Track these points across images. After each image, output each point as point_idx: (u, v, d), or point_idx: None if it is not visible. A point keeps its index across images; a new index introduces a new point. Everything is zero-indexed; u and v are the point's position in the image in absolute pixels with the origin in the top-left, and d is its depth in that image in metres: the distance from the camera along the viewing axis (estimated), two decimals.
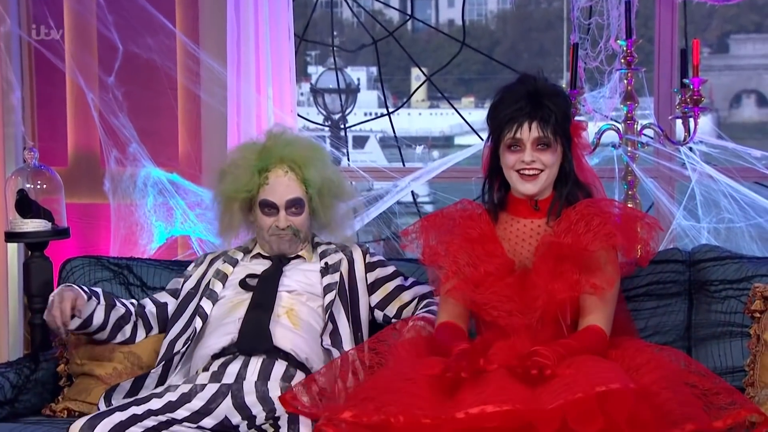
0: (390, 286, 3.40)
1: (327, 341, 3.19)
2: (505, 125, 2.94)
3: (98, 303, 3.31)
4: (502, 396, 2.57)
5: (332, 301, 3.26)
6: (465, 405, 2.57)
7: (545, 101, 2.93)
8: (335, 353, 3.17)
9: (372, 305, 3.39)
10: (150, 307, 3.45)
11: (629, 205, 3.09)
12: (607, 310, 2.93)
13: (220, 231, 3.51)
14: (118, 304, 3.38)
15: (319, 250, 3.43)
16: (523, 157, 2.94)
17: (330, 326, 3.23)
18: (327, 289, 3.31)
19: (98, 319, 3.31)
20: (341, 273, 3.35)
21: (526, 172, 2.95)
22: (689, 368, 2.93)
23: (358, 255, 3.43)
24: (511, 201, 3.06)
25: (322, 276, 3.35)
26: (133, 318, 3.41)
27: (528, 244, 3.00)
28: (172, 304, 3.44)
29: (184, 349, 3.24)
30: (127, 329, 3.41)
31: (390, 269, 3.45)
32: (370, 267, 3.43)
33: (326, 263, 3.37)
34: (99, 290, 3.37)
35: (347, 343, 3.26)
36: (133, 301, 3.48)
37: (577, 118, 3.91)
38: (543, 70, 3.02)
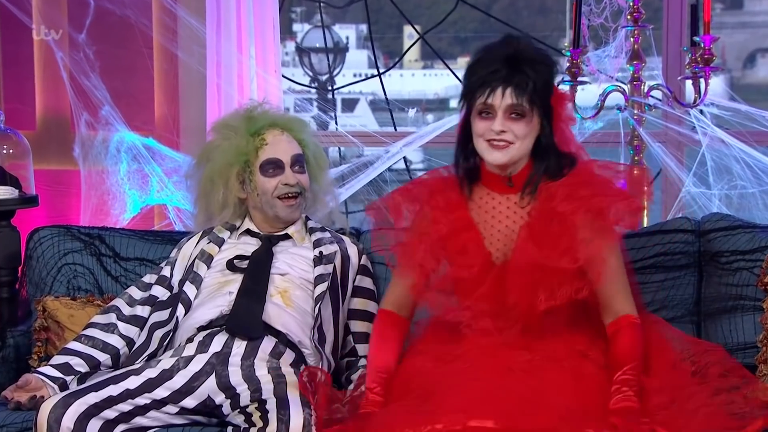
0: (369, 305, 3.39)
1: (315, 336, 3.19)
2: (478, 89, 2.83)
3: (74, 376, 3.27)
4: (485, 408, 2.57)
5: (323, 293, 3.25)
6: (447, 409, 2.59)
7: (524, 67, 2.81)
8: (324, 353, 3.19)
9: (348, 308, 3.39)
10: (141, 312, 3.41)
11: (611, 163, 3.02)
12: (624, 284, 2.91)
13: (212, 214, 3.44)
14: (101, 359, 3.32)
15: (314, 237, 3.40)
16: (493, 126, 2.84)
17: (318, 320, 3.22)
18: (319, 279, 3.30)
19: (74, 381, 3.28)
20: (335, 266, 3.33)
21: (496, 142, 2.86)
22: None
23: (353, 252, 3.41)
24: (485, 173, 2.97)
25: (315, 265, 3.33)
26: (125, 349, 3.37)
27: (504, 225, 2.93)
28: (162, 294, 3.41)
29: (166, 342, 3.23)
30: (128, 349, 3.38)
31: (372, 287, 3.43)
32: (362, 270, 3.42)
33: (321, 252, 3.35)
34: (78, 360, 3.30)
35: (329, 344, 3.26)
36: (128, 330, 3.39)
37: (579, 79, 3.92)
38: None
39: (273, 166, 3.34)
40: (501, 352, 2.80)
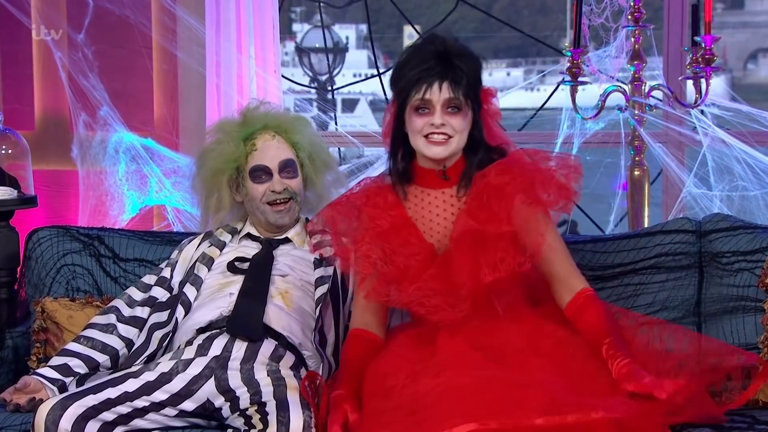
0: None
1: (316, 338, 3.19)
2: (413, 86, 2.89)
3: (74, 378, 3.27)
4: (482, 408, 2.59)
5: (324, 295, 3.25)
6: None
7: (456, 61, 2.89)
8: (325, 355, 3.18)
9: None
10: (141, 313, 3.41)
11: (541, 150, 3.09)
12: (570, 261, 2.99)
13: (209, 216, 3.48)
14: (100, 360, 3.32)
15: (314, 240, 3.40)
16: (432, 120, 2.89)
17: (319, 322, 3.22)
18: (319, 281, 3.30)
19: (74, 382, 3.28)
20: (335, 268, 3.33)
21: (435, 137, 2.91)
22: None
23: None
24: (418, 172, 3.02)
25: (316, 268, 3.33)
26: (124, 350, 3.37)
27: (443, 218, 2.99)
28: (162, 296, 3.41)
29: (165, 343, 3.23)
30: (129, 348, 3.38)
31: None
32: None
33: (321, 255, 3.35)
34: (77, 362, 3.30)
35: (330, 346, 3.26)
36: (128, 331, 3.39)
37: (580, 79, 3.92)
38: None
39: (261, 173, 3.35)
40: (472, 355, 2.82)
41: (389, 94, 4.85)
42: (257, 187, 3.35)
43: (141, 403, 3.01)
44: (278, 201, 3.34)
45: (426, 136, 2.91)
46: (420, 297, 2.91)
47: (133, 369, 3.12)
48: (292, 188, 3.36)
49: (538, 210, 2.91)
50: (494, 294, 2.92)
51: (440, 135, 2.90)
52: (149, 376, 3.06)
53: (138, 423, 3.01)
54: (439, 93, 2.88)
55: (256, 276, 3.28)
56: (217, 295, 3.26)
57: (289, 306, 3.24)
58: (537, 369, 2.76)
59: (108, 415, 2.96)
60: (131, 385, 3.03)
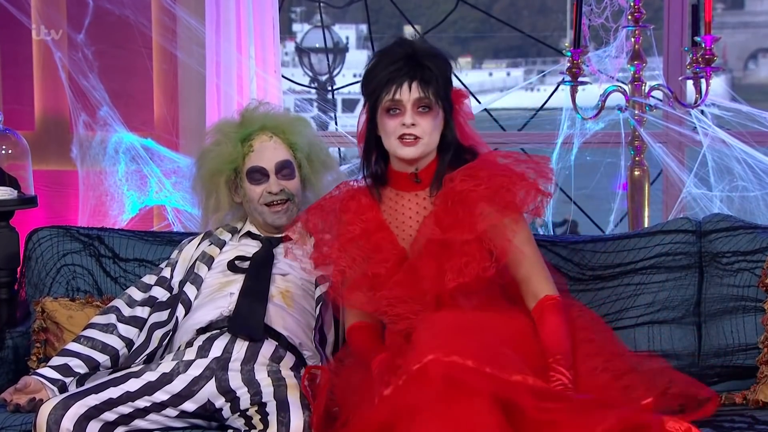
0: None
1: (317, 337, 3.20)
2: (383, 87, 2.90)
3: (74, 378, 3.27)
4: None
5: (324, 294, 3.25)
6: None
7: (425, 61, 2.90)
8: (325, 354, 3.19)
9: None
10: (141, 313, 3.41)
11: (514, 152, 3.13)
12: (539, 265, 2.97)
13: (208, 216, 3.49)
14: (101, 360, 3.32)
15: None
16: (403, 120, 2.90)
17: (320, 321, 3.22)
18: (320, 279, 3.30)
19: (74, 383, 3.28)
20: None
21: (407, 138, 2.91)
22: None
23: None
24: (392, 175, 3.04)
25: None
26: (124, 350, 3.37)
27: (415, 221, 3.00)
28: (162, 295, 3.41)
29: (165, 342, 3.24)
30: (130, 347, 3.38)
31: None
32: None
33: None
34: (77, 362, 3.30)
35: (330, 345, 3.27)
36: (128, 331, 3.39)
37: (580, 79, 3.93)
38: (421, 33, 3.01)
39: (258, 174, 3.35)
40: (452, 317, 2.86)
41: None
42: (254, 188, 3.35)
43: (142, 403, 3.01)
44: (275, 202, 3.34)
45: (400, 138, 2.92)
46: (384, 306, 2.93)
47: (135, 369, 3.12)
48: (289, 189, 3.36)
49: (504, 216, 2.90)
50: (462, 296, 2.91)
51: (410, 136, 2.92)
52: (151, 376, 3.06)
53: (139, 423, 3.01)
54: (409, 93, 2.90)
55: (257, 275, 3.28)
56: (218, 295, 3.26)
57: (289, 305, 3.24)
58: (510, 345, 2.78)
59: (109, 415, 2.96)
60: (133, 384, 3.03)
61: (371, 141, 3.02)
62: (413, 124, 2.90)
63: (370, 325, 3.06)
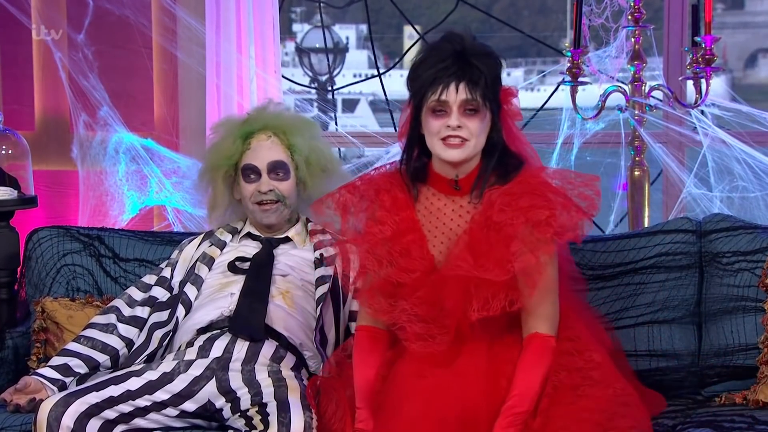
0: None
1: (317, 337, 3.20)
2: (429, 86, 2.78)
3: (74, 378, 3.27)
4: None
5: (324, 295, 3.26)
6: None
7: (474, 61, 2.78)
8: (325, 354, 3.19)
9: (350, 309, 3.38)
10: (141, 313, 3.42)
11: (564, 171, 2.98)
12: (546, 305, 2.83)
13: (208, 210, 3.52)
14: (101, 360, 3.33)
15: (314, 240, 3.41)
16: (449, 122, 2.78)
17: (320, 322, 3.22)
18: (320, 281, 3.30)
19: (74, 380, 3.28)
20: (335, 268, 3.34)
21: (452, 140, 2.80)
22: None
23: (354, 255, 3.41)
24: (431, 175, 2.92)
25: (316, 267, 3.34)
26: (124, 350, 3.37)
27: (449, 228, 2.88)
28: (162, 295, 3.42)
29: (166, 342, 3.24)
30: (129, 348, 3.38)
31: None
32: None
33: (321, 255, 3.35)
34: (77, 362, 3.31)
35: (331, 345, 3.27)
36: (128, 331, 3.39)
37: (580, 79, 3.93)
38: (471, 29, 2.91)
39: (251, 172, 3.36)
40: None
41: (389, 95, 4.89)
42: (247, 186, 3.37)
43: (143, 402, 3.02)
44: (264, 201, 3.35)
45: (443, 139, 2.81)
46: (403, 320, 2.83)
47: (136, 368, 3.13)
48: (279, 190, 3.35)
49: (538, 253, 2.76)
50: (481, 326, 2.81)
51: (456, 138, 2.80)
52: (151, 375, 3.07)
53: (139, 422, 3.01)
54: (455, 94, 2.78)
55: (257, 276, 3.28)
56: (218, 295, 3.27)
57: (290, 306, 3.25)
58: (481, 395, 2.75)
59: (110, 413, 2.97)
60: (134, 383, 3.04)
61: (414, 138, 2.91)
62: (459, 126, 2.79)
63: (376, 332, 2.96)
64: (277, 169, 3.36)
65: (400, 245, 2.87)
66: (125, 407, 3.00)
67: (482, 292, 2.77)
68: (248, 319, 3.17)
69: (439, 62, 2.79)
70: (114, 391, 3.00)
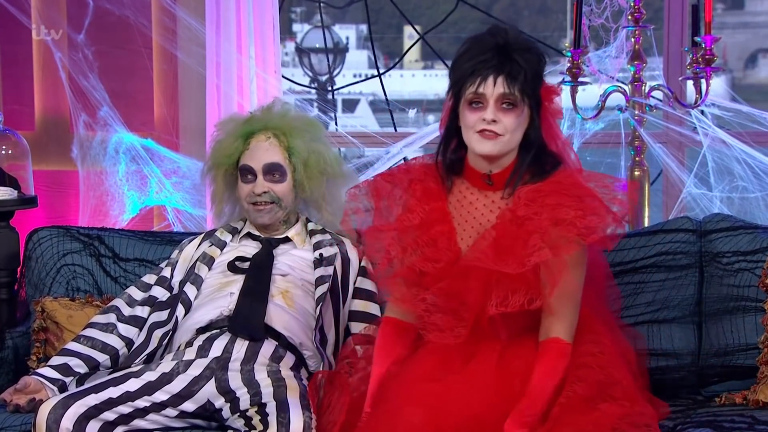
0: (370, 306, 3.39)
1: (317, 337, 3.20)
2: (468, 78, 2.77)
3: (73, 378, 3.27)
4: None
5: (324, 294, 3.26)
6: None
7: (515, 55, 2.75)
8: (325, 354, 3.20)
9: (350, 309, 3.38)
10: (141, 312, 3.42)
11: (600, 174, 2.92)
12: (566, 309, 2.80)
13: (211, 205, 3.54)
14: (100, 360, 3.33)
15: (314, 240, 3.41)
16: (484, 115, 2.76)
17: (320, 321, 3.23)
18: (319, 281, 3.30)
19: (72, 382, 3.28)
20: (335, 268, 3.34)
21: (488, 133, 2.77)
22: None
23: (354, 255, 3.41)
24: (466, 168, 2.90)
25: (315, 267, 3.34)
26: (124, 350, 3.38)
27: (479, 223, 2.87)
28: (162, 295, 3.42)
29: (165, 342, 3.24)
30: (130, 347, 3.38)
31: (373, 289, 3.41)
32: (363, 271, 3.41)
33: (321, 255, 3.36)
34: (77, 362, 3.31)
35: (330, 345, 3.27)
36: (128, 331, 3.39)
37: (580, 79, 3.93)
38: (517, 26, 2.89)
39: (247, 173, 3.37)
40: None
41: (389, 95, 4.89)
42: (243, 186, 3.38)
43: (142, 403, 3.02)
44: (258, 203, 3.35)
45: (479, 132, 2.79)
46: (421, 309, 2.85)
47: (135, 369, 3.13)
48: (274, 192, 3.35)
49: (558, 252, 2.73)
50: (501, 321, 2.80)
51: (491, 132, 2.78)
52: (150, 376, 3.07)
53: (138, 423, 3.01)
54: (493, 87, 2.76)
55: (257, 275, 3.28)
56: (218, 295, 3.27)
57: (290, 306, 3.25)
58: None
59: (109, 415, 2.97)
60: (133, 384, 3.03)
61: (452, 130, 2.89)
62: (494, 120, 2.77)
63: (399, 324, 2.95)
64: (273, 171, 3.36)
65: (428, 235, 2.87)
66: (124, 408, 2.99)
67: (502, 288, 2.76)
68: (248, 319, 3.17)
69: (480, 54, 2.77)
70: (113, 392, 3.00)
